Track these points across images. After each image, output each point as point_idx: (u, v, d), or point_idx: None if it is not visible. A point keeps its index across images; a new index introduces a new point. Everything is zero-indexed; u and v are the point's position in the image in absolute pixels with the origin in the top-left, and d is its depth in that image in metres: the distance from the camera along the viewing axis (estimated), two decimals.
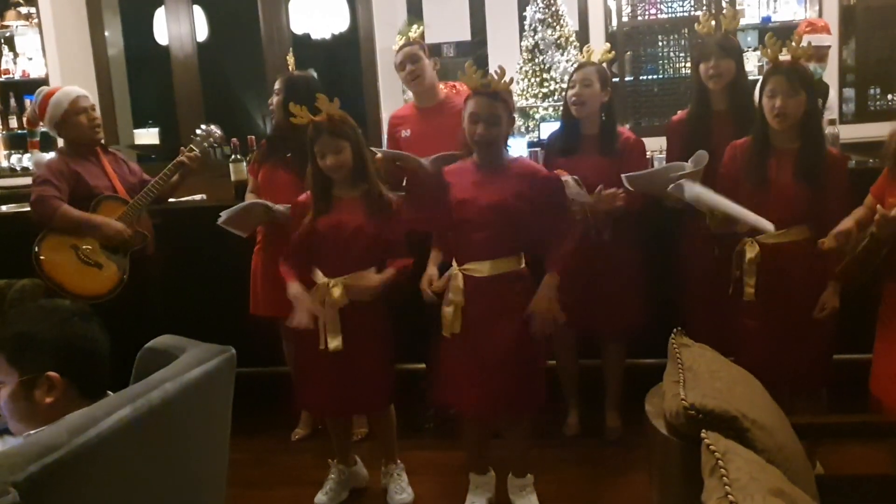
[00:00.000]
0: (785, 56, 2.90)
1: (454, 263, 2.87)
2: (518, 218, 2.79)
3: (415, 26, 3.83)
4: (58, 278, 3.32)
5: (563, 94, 3.45)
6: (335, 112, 2.89)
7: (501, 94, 2.79)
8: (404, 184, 3.37)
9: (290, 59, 3.84)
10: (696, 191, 2.81)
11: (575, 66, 3.40)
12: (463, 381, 2.86)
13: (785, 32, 3.57)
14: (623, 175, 3.11)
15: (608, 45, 3.46)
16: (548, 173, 2.95)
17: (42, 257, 3.33)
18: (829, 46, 4.73)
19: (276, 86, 3.52)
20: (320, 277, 2.92)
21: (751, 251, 2.86)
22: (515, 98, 6.54)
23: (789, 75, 2.76)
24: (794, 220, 2.81)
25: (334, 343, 2.88)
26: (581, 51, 3.66)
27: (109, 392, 1.81)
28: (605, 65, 3.42)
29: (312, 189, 2.95)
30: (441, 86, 3.78)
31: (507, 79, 2.80)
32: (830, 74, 5.07)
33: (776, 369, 2.82)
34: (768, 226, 2.74)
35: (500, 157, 2.86)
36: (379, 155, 3.43)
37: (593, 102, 3.30)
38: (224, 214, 3.30)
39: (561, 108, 3.74)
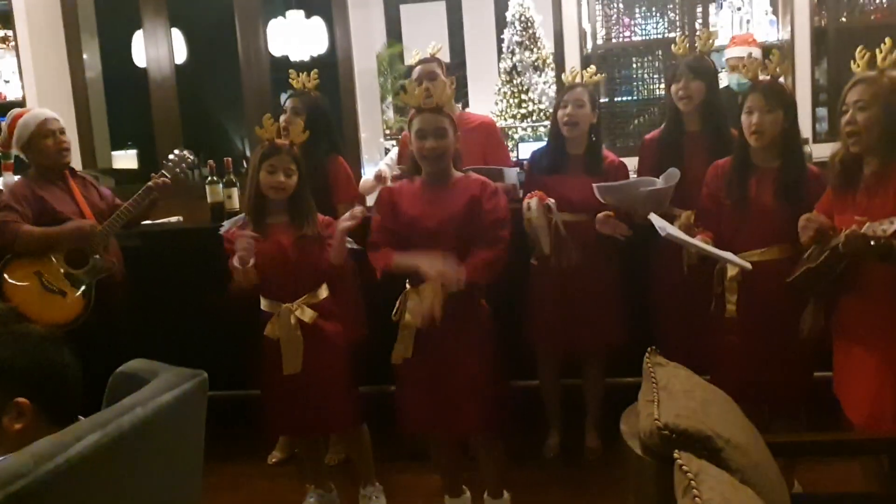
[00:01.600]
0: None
1: (407, 284, 2.85)
2: (470, 232, 2.77)
3: (433, 43, 3.80)
4: (19, 306, 3.24)
5: (552, 113, 3.46)
6: (301, 140, 2.97)
7: (444, 108, 2.81)
8: None
9: (314, 78, 3.63)
10: (668, 230, 2.83)
11: (557, 86, 3.43)
12: (425, 403, 2.85)
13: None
14: (594, 185, 3.13)
15: (594, 67, 3.49)
16: (495, 186, 2.93)
17: (4, 284, 3.27)
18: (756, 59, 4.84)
19: (292, 104, 3.51)
20: (278, 305, 2.93)
21: (732, 269, 2.86)
22: (495, 118, 6.61)
23: (766, 93, 2.79)
24: (776, 239, 2.82)
25: (291, 367, 2.90)
26: (562, 72, 3.68)
27: (80, 417, 1.79)
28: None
29: (250, 209, 2.96)
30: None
31: (448, 91, 2.83)
32: (803, 94, 5.14)
33: (756, 388, 2.84)
34: (746, 265, 2.75)
35: (448, 173, 2.86)
36: (397, 172, 3.44)
37: (584, 123, 3.32)
38: (226, 224, 3.30)
39: (545, 127, 3.76)
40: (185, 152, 3.63)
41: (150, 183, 3.50)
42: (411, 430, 2.97)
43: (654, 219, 2.88)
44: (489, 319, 2.90)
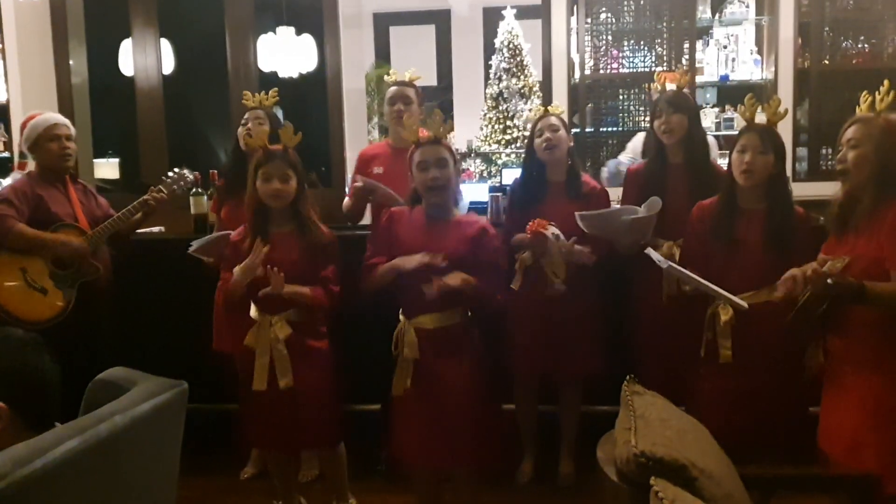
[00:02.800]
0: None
1: (402, 318, 2.87)
2: (466, 269, 2.75)
3: (412, 69, 3.85)
4: (0, 298, 3.30)
5: (527, 146, 3.50)
6: (294, 143, 2.93)
7: (442, 139, 2.84)
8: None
9: (273, 95, 3.68)
10: (670, 263, 2.84)
11: (536, 117, 3.47)
12: (419, 435, 2.85)
13: (742, 90, 3.67)
14: (577, 213, 3.15)
15: (557, 103, 3.60)
16: (493, 230, 2.94)
17: None
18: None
19: (254, 115, 3.56)
20: (263, 316, 2.91)
21: (725, 314, 2.85)
22: (478, 144, 6.66)
23: (762, 135, 2.83)
24: (764, 281, 2.80)
25: (284, 381, 2.87)
26: (549, 100, 3.74)
27: (58, 423, 1.78)
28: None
29: (250, 221, 2.92)
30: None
31: (445, 124, 2.85)
32: (785, 133, 5.20)
33: (748, 429, 2.82)
34: (743, 304, 2.73)
35: (449, 207, 2.88)
36: (360, 183, 3.46)
37: (562, 146, 3.36)
38: (195, 244, 3.30)
39: (524, 156, 3.78)
40: (185, 171, 3.69)
41: (146, 196, 3.56)
42: (410, 462, 2.97)
43: (652, 253, 2.89)
44: (482, 350, 2.93)
